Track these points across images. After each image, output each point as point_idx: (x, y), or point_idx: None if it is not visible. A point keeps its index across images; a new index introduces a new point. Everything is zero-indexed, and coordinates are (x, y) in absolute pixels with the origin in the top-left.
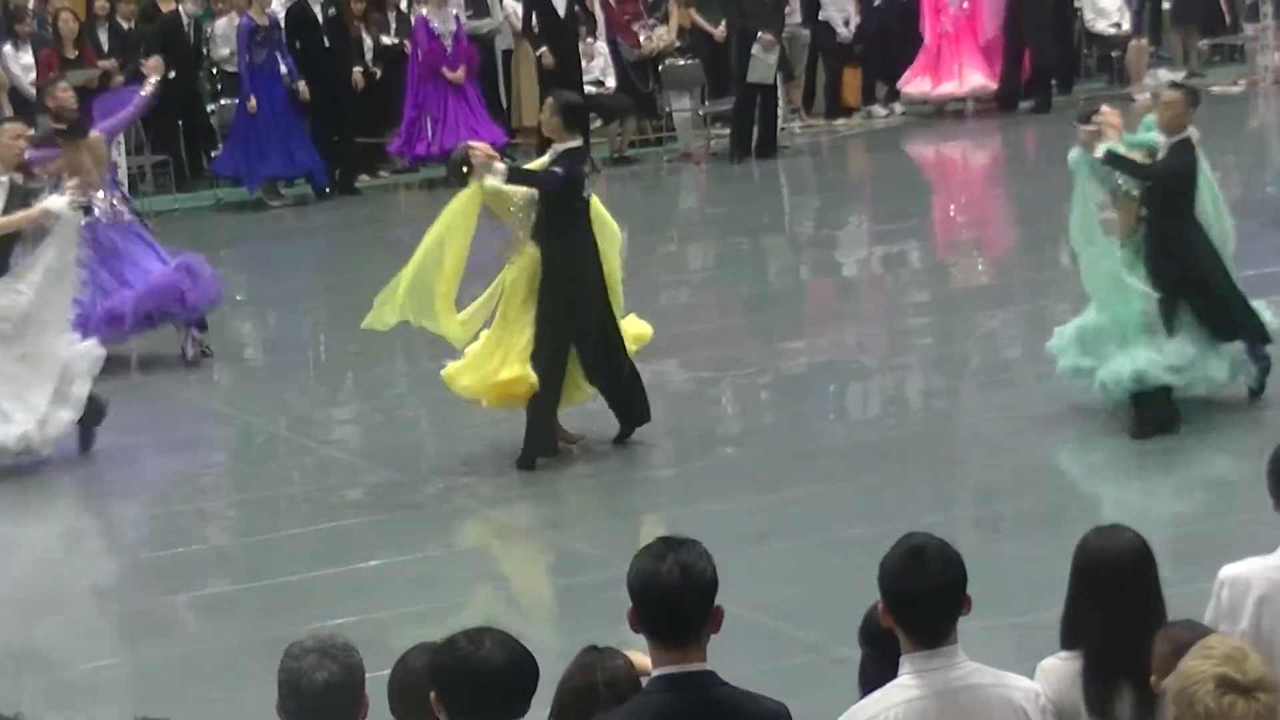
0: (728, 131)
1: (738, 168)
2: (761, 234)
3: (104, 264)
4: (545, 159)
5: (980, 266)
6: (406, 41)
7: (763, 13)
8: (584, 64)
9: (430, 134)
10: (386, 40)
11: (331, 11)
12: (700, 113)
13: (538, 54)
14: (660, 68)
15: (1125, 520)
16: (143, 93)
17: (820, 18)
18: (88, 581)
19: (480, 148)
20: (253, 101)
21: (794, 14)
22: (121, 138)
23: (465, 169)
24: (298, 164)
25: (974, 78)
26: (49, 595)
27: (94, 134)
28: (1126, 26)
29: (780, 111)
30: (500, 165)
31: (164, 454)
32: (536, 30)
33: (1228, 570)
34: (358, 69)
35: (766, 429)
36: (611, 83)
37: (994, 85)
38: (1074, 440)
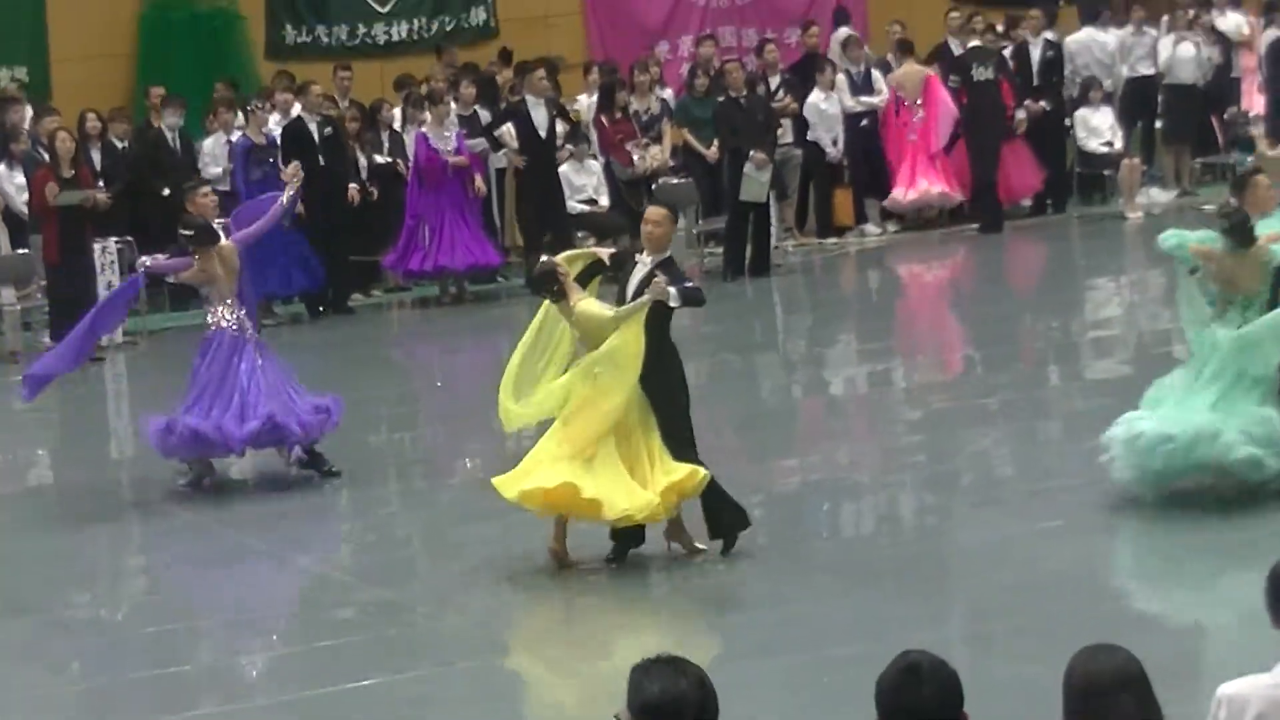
0: (721, 250)
1: (731, 285)
2: (754, 352)
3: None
4: (641, 271)
5: (970, 385)
6: (399, 161)
7: (755, 132)
8: (575, 182)
9: (426, 248)
10: (380, 159)
11: (328, 131)
12: (694, 231)
13: (505, 153)
14: (653, 187)
15: (1126, 637)
16: (282, 199)
17: (809, 138)
18: (76, 699)
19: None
20: None
21: (785, 134)
22: None
23: (554, 286)
24: (294, 282)
25: (935, 187)
26: (40, 710)
27: (227, 243)
28: (1118, 145)
29: (774, 230)
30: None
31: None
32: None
33: (1225, 688)
34: (354, 185)
35: (760, 547)
36: (605, 201)
37: (956, 195)
38: (1070, 557)
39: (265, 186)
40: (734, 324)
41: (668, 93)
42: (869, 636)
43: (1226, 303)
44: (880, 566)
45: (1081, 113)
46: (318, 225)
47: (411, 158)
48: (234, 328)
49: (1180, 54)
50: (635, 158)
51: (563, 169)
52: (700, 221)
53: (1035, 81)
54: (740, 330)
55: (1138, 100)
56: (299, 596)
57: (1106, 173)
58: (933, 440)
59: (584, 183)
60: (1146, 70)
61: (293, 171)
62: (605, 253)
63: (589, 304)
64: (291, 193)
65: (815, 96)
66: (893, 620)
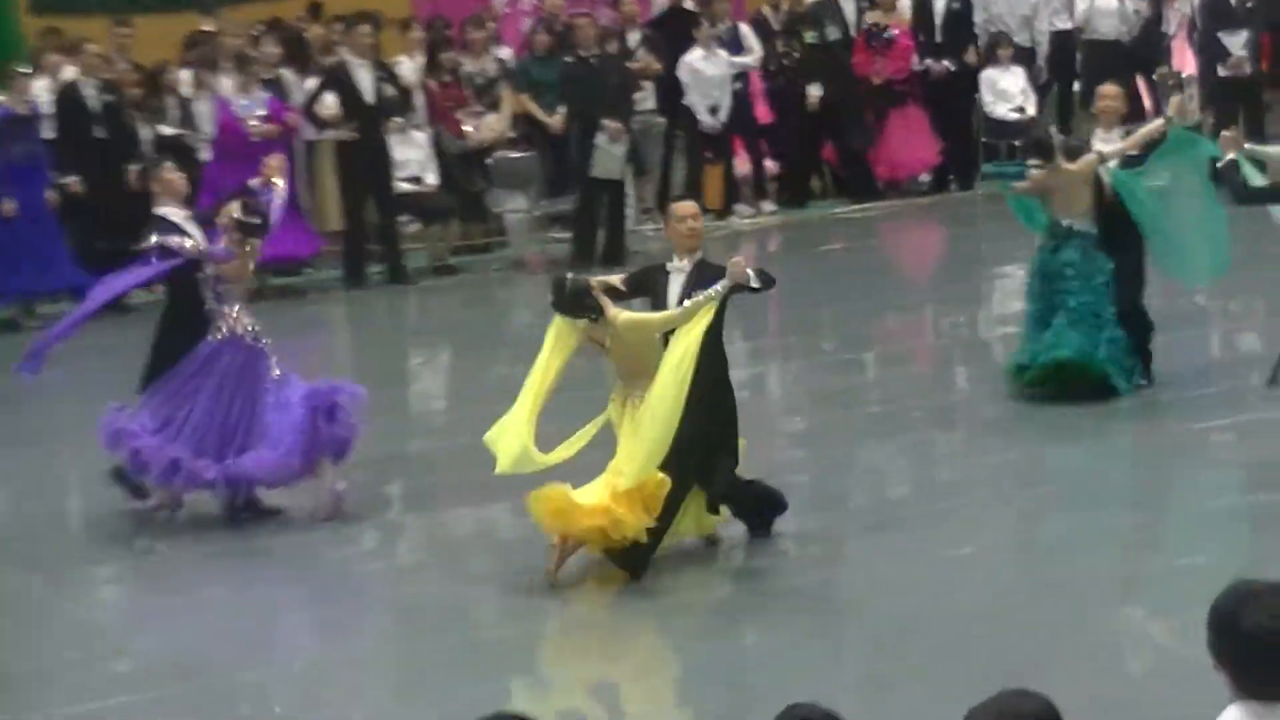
0: (568, 236)
1: None
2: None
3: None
4: (680, 277)
5: (860, 390)
6: (189, 132)
7: (608, 98)
8: (398, 157)
9: None
10: (167, 130)
11: (109, 99)
12: (536, 214)
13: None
14: (489, 162)
15: (1043, 678)
16: (275, 200)
17: (684, 103)
18: None
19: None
20: (9, 204)
21: (647, 99)
22: None
23: (593, 303)
24: (56, 278)
25: None
26: None
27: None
28: (1031, 111)
29: (630, 212)
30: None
31: None
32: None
33: None
34: (134, 167)
35: (616, 583)
36: (432, 179)
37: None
38: (978, 587)
39: (28, 167)
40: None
41: (506, 52)
42: (747, 684)
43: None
44: (759, 603)
45: (988, 74)
46: (89, 209)
47: (214, 128)
48: (250, 335)
49: (1100, 5)
50: (468, 128)
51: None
52: (543, 202)
53: (938, 38)
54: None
55: (1054, 59)
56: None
57: (1018, 143)
58: (817, 455)
59: (408, 157)
60: (1064, 24)
61: (277, 165)
62: (616, 279)
63: (630, 314)
64: (279, 187)
65: (693, 55)
66: (775, 664)
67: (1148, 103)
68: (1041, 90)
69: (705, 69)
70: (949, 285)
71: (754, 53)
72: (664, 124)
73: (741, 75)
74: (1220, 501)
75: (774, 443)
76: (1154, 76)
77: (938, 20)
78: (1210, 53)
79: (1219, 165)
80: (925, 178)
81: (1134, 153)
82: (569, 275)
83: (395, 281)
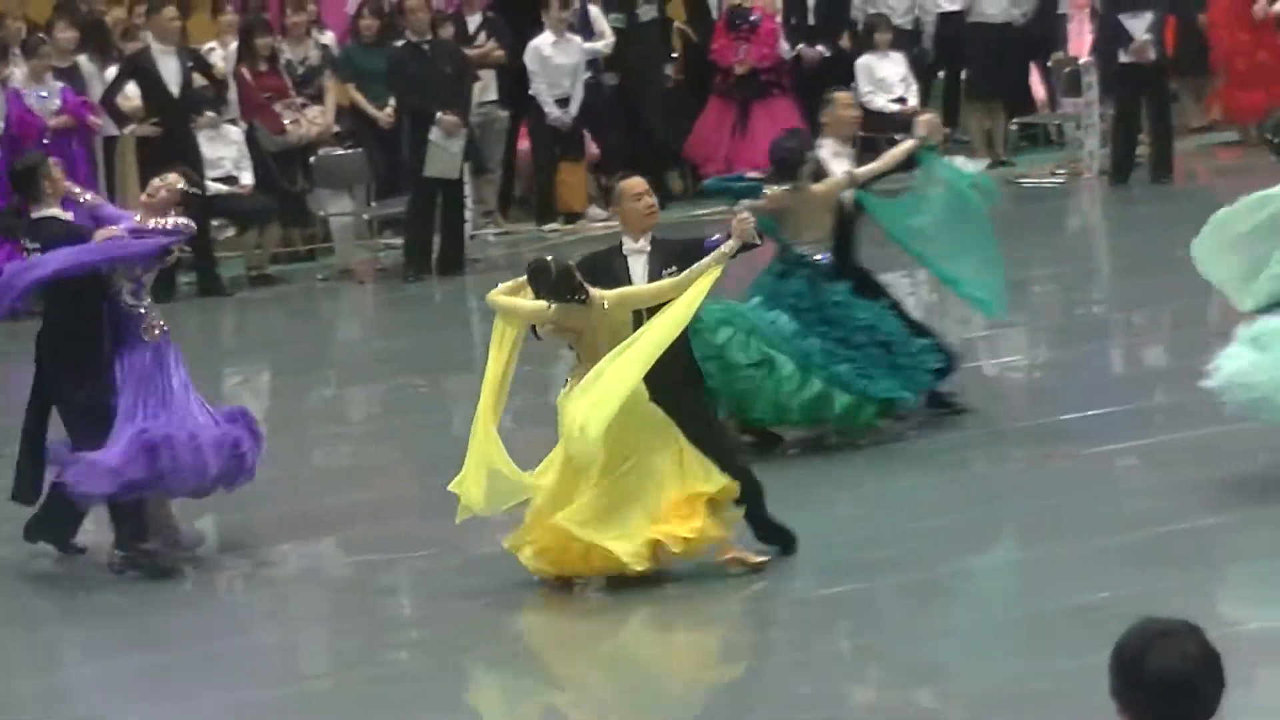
0: (400, 241)
1: (414, 287)
2: (445, 373)
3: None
4: (642, 259)
5: None
6: None
7: (443, 89)
8: (209, 155)
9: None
10: None
11: None
12: (365, 217)
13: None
14: (312, 160)
15: None
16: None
17: (531, 92)
18: None
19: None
20: None
21: (487, 90)
22: None
23: (580, 284)
24: None
25: None
26: None
27: None
28: (913, 102)
29: (469, 215)
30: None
31: None
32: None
33: None
34: None
35: (451, 619)
36: (248, 179)
37: None
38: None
39: None
40: (419, 337)
41: (329, 37)
42: None
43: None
44: (597, 637)
45: (866, 60)
46: None
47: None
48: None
49: None
50: (287, 122)
51: None
52: (373, 204)
53: (811, 20)
54: (427, 345)
55: (940, 44)
56: None
57: (898, 137)
58: None
59: (220, 155)
60: (951, 5)
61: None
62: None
63: (618, 291)
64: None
65: (542, 40)
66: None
67: (1041, 93)
68: (926, 78)
69: (555, 56)
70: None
71: (606, 37)
72: (506, 118)
73: (594, 63)
74: (1122, 534)
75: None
76: (1049, 63)
77: (810, 2)
78: (1111, 37)
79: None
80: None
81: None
82: (549, 257)
83: (208, 293)
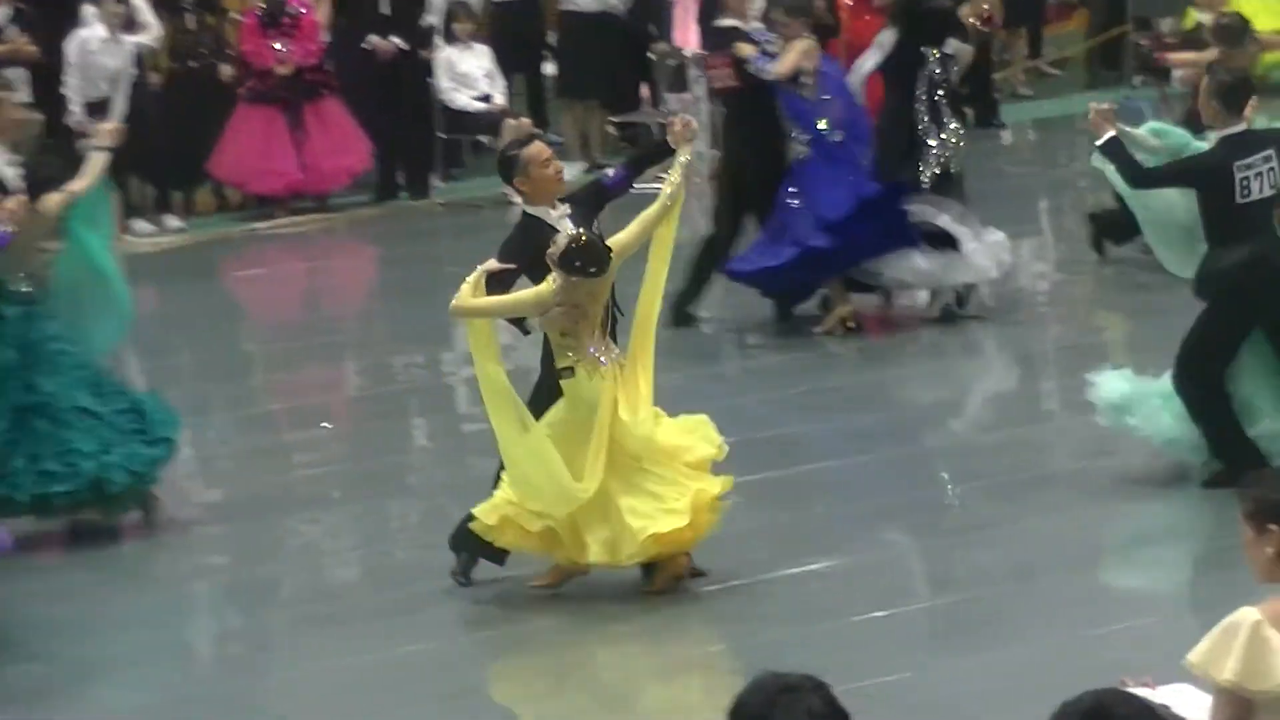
0: None
1: None
2: None
3: None
4: (566, 214)
5: (291, 449)
6: None
7: None
8: None
9: None
10: None
11: None
12: None
13: None
14: None
15: None
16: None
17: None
18: None
19: None
20: None
21: (19, 92)
22: None
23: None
24: None
25: None
26: None
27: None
28: (500, 98)
29: None
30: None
31: None
32: None
33: None
34: None
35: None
36: None
37: None
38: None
39: None
40: None
41: None
42: None
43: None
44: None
45: (446, 54)
46: None
47: None
48: None
49: None
50: None
51: None
52: None
53: (383, 9)
54: None
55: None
56: None
57: (483, 139)
58: (236, 535)
59: None
60: None
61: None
62: (495, 265)
63: (616, 239)
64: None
65: (91, 32)
66: None
67: (645, 90)
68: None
69: (101, 55)
70: (412, 316)
71: (151, 29)
72: (40, 122)
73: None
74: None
75: (179, 517)
76: (651, 55)
77: None
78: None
79: (1100, 144)
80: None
81: None
82: (579, 231)
83: None
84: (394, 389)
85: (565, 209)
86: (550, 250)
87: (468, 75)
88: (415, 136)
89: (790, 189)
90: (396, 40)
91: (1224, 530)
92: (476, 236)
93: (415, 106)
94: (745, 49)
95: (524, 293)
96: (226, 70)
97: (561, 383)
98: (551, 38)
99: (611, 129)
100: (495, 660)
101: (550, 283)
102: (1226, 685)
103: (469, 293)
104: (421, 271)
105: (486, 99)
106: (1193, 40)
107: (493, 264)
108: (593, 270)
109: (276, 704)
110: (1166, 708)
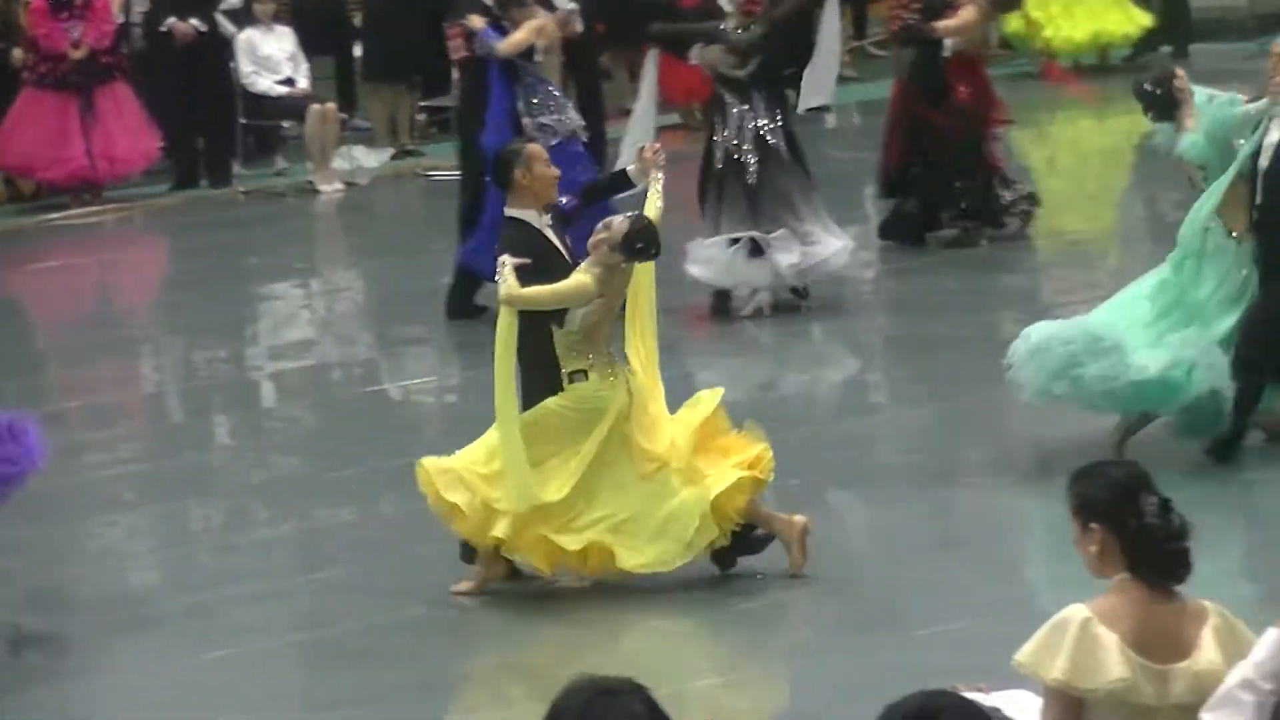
0: None
1: None
2: None
3: None
4: (548, 221)
5: (101, 447)
6: None
7: None
8: None
9: None
10: None
11: None
12: None
13: None
14: None
15: None
16: None
17: None
18: None
19: None
20: None
21: None
22: None
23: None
24: None
25: None
26: None
27: None
28: (304, 84)
29: None
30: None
31: None
32: None
33: None
34: None
35: None
36: None
37: None
38: (248, 692)
39: None
40: None
41: None
42: None
43: None
44: None
45: (247, 36)
46: None
47: None
48: None
49: None
50: None
51: None
52: None
53: None
54: None
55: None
56: None
57: (286, 125)
58: (31, 538)
59: None
60: None
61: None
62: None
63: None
64: None
65: None
66: None
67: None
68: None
69: None
70: (203, 310)
71: None
72: None
73: None
74: None
75: None
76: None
77: None
78: None
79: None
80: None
81: None
82: (638, 214)
83: None
84: (195, 385)
85: (546, 216)
86: (603, 236)
87: (270, 59)
88: (216, 122)
89: None
90: (195, 22)
91: (1062, 523)
92: (279, 225)
93: (216, 91)
94: (476, 21)
95: (567, 283)
96: (18, 54)
97: (568, 386)
98: (357, 19)
99: (420, 113)
100: (305, 666)
101: (586, 273)
102: (1055, 684)
103: (516, 284)
104: (223, 262)
105: (290, 83)
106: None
107: (510, 258)
108: (654, 252)
109: (80, 712)
110: (997, 710)
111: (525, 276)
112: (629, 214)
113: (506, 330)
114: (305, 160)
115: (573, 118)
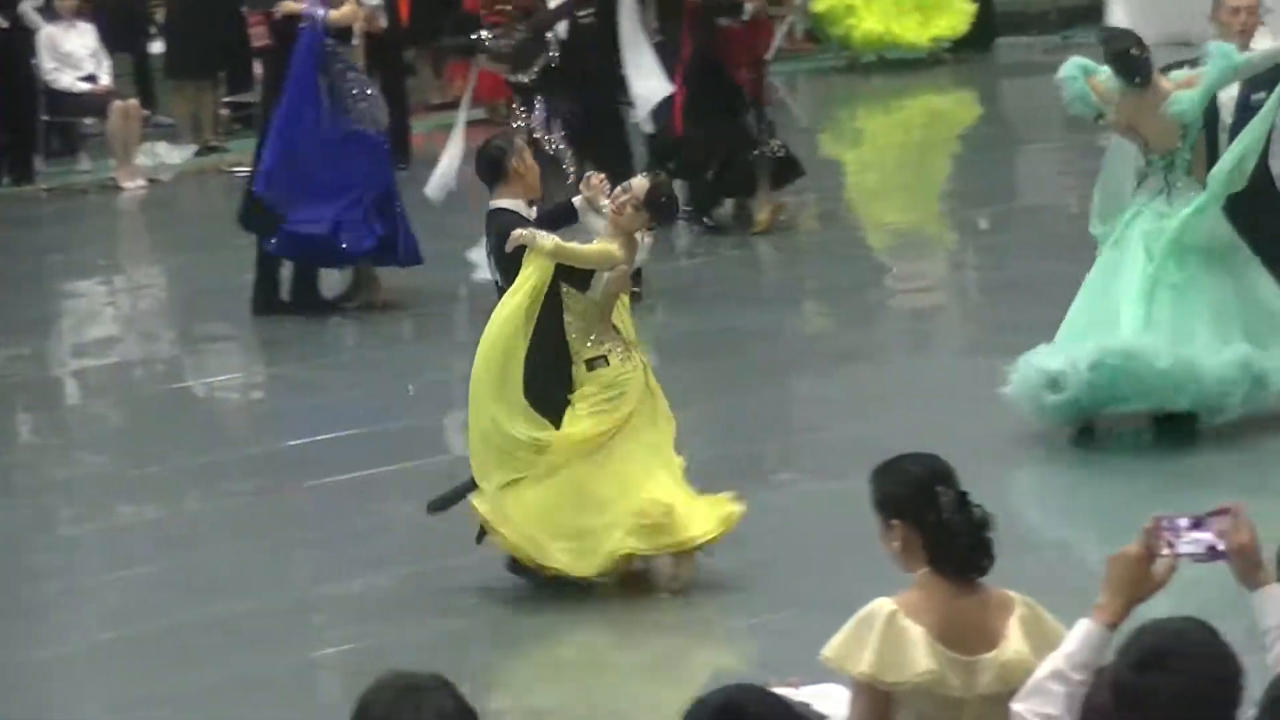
0: None
1: None
2: None
3: None
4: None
5: None
6: None
7: None
8: None
9: None
10: None
11: None
12: None
13: None
14: None
15: None
16: None
17: None
18: None
19: None
20: None
21: None
22: None
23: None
24: None
25: None
26: None
27: None
28: (106, 80)
29: None
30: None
31: None
32: None
33: None
34: None
35: None
36: None
37: None
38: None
39: None
40: None
41: None
42: None
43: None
44: None
45: (49, 32)
46: None
47: None
48: None
49: None
50: None
51: None
52: None
53: None
54: None
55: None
56: None
57: (88, 122)
58: None
59: None
60: None
61: None
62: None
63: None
64: None
65: None
66: None
67: (258, 68)
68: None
69: None
70: (5, 308)
71: None
72: None
73: None
74: (357, 578)
75: None
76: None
77: None
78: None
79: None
80: None
81: None
82: (658, 174)
83: None
84: None
85: (533, 210)
86: (625, 198)
87: (71, 55)
88: (18, 119)
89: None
90: None
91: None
92: (82, 222)
93: (18, 88)
94: (290, 5)
95: (596, 245)
96: None
97: (591, 374)
98: (160, 14)
99: (224, 109)
100: (112, 665)
101: (610, 241)
102: (862, 678)
103: (550, 238)
104: (25, 260)
105: (92, 80)
106: None
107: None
108: (674, 210)
109: None
110: (807, 705)
111: (511, 266)
112: (644, 173)
113: (516, 310)
114: (108, 157)
115: (381, 108)
